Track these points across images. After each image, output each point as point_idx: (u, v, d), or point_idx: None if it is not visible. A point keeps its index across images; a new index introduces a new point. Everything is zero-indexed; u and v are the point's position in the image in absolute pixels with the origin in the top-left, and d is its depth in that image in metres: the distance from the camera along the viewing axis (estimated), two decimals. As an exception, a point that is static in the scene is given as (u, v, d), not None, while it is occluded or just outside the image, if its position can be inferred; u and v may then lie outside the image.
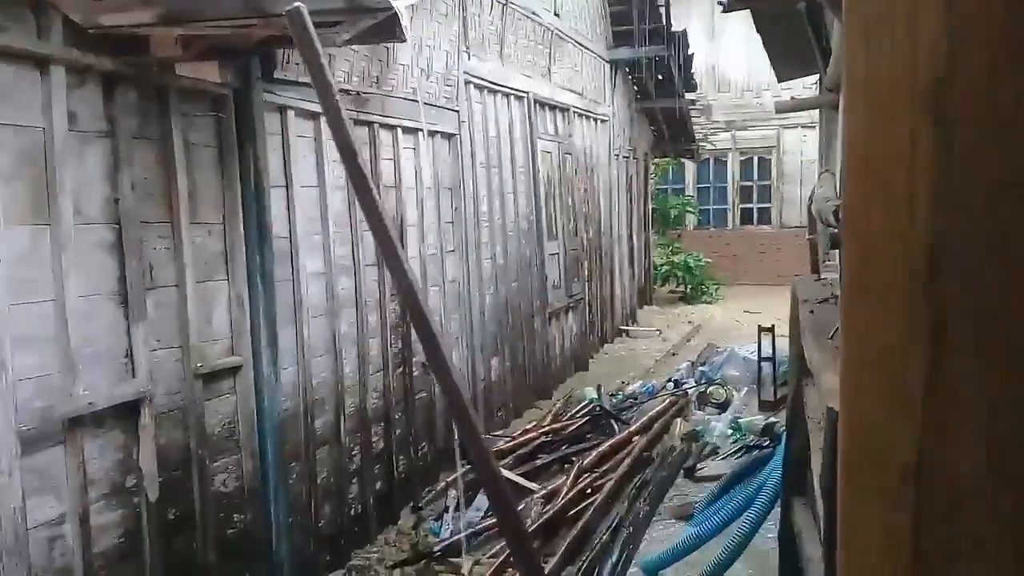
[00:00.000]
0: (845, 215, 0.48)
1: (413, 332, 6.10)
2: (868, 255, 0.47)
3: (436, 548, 5.11)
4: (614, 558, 5.11)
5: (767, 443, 6.73)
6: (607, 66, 12.13)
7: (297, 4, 1.41)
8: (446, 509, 5.74)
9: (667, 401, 8.06)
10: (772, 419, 7.28)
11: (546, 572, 4.70)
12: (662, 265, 16.69)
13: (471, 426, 1.39)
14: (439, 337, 1.40)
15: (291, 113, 4.85)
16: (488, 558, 5.01)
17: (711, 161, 20.02)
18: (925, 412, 0.45)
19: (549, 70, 9.58)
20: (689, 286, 16.65)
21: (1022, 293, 0.43)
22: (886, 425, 0.46)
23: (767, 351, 8.47)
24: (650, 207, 15.82)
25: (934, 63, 0.42)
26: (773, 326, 8.18)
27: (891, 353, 0.46)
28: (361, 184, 1.31)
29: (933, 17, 0.42)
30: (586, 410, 7.81)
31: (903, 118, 0.43)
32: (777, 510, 4.06)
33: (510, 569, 4.88)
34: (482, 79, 7.58)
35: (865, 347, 0.48)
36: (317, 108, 5.03)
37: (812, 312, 2.49)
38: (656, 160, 16.69)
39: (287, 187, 4.82)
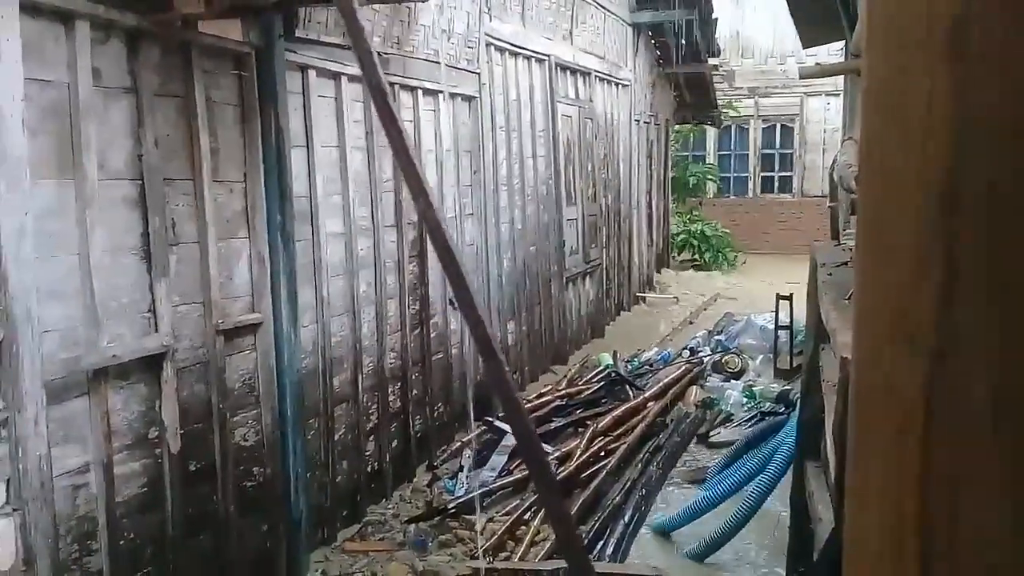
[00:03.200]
0: (862, 152, 0.50)
1: (431, 293, 6.17)
2: (883, 191, 0.48)
3: (450, 505, 5.19)
4: (626, 519, 5.18)
5: (782, 410, 6.76)
6: (629, 29, 12.00)
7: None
8: (461, 468, 5.82)
9: (682, 368, 8.09)
10: (787, 386, 7.30)
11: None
12: (680, 233, 16.61)
13: (490, 346, 1.42)
14: (459, 259, 1.43)
15: (312, 73, 4.85)
16: (502, 516, 5.09)
17: (733, 128, 19.83)
18: (935, 344, 0.47)
19: (571, 33, 9.50)
20: (707, 254, 16.58)
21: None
22: (896, 353, 0.48)
23: (784, 319, 8.46)
24: (670, 174, 15.72)
25: (952, 0, 0.43)
26: (791, 294, 8.16)
27: (903, 287, 0.47)
28: (391, 124, 1.33)
29: (951, -43, 0.43)
30: (601, 375, 7.85)
31: (921, 55, 0.45)
32: (789, 476, 4.09)
33: (523, 527, 4.95)
34: (503, 41, 7.53)
35: (878, 282, 0.50)
36: (338, 68, 5.04)
37: (830, 275, 2.50)
38: (677, 126, 16.54)
39: (308, 147, 4.84)
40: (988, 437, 0.45)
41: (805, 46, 10.09)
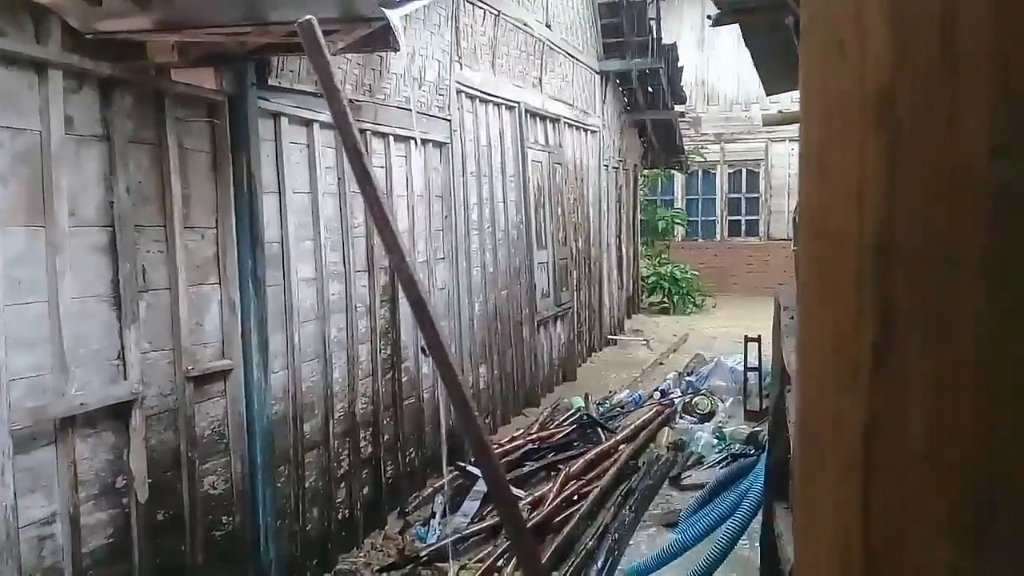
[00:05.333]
0: (801, 212, 0.54)
1: (402, 337, 6.17)
2: (822, 247, 0.53)
3: (423, 553, 5.15)
4: (599, 564, 5.16)
5: (752, 451, 6.80)
6: (597, 77, 12.24)
7: (309, 17, 1.49)
8: (433, 515, 5.77)
9: (653, 411, 8.13)
10: (756, 428, 7.36)
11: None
12: (650, 276, 16.78)
13: (458, 388, 1.45)
14: (429, 305, 1.47)
15: (284, 120, 4.90)
16: (474, 563, 5.05)
17: (700, 173, 20.18)
18: (874, 384, 0.51)
19: (540, 80, 9.67)
20: (676, 297, 16.74)
21: (961, 278, 0.49)
22: (839, 395, 0.52)
23: (753, 361, 8.54)
24: (639, 218, 15.92)
25: (879, 75, 0.48)
26: (759, 336, 8.26)
27: (843, 331, 0.52)
28: (366, 182, 1.37)
29: (879, 36, 0.48)
30: (573, 418, 7.86)
31: (853, 124, 0.49)
32: (760, 517, 4.12)
33: (496, 574, 4.92)
34: (474, 88, 7.66)
35: (820, 328, 0.54)
36: (310, 115, 5.10)
37: (792, 318, 2.56)
38: (645, 171, 16.80)
39: (279, 193, 4.86)
40: (925, 473, 0.49)
41: (768, 93, 10.36)
